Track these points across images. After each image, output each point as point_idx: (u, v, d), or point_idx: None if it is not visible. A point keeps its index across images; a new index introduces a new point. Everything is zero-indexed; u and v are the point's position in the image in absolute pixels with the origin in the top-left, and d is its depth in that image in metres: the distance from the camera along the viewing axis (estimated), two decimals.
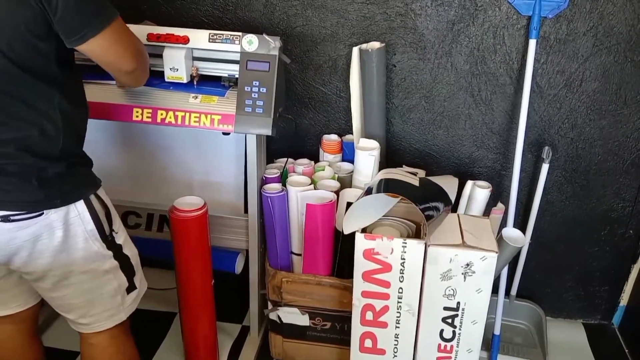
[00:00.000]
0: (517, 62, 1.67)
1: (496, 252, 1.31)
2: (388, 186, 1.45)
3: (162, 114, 1.50)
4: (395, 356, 1.48)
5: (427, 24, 1.66)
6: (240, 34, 1.48)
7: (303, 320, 1.72)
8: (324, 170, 1.71)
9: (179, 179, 1.84)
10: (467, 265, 1.32)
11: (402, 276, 1.37)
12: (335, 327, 1.71)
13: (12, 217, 1.07)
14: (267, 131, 1.48)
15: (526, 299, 1.99)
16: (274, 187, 1.62)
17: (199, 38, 1.49)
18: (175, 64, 1.49)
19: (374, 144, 1.65)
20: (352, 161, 1.71)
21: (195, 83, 1.55)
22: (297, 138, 1.89)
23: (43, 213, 1.10)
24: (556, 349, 1.91)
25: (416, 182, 1.49)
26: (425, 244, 1.33)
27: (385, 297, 1.40)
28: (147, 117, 1.50)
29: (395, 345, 1.47)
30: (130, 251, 1.30)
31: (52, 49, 1.04)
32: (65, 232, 1.14)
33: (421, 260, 1.34)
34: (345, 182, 1.69)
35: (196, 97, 1.51)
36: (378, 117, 1.72)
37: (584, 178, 1.81)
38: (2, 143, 1.04)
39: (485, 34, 1.65)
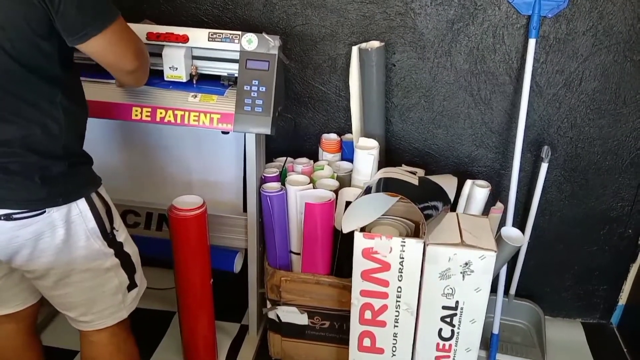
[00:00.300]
0: (516, 62, 1.67)
1: (495, 251, 1.31)
2: (387, 185, 1.45)
3: (161, 113, 1.50)
4: (394, 355, 1.48)
5: (426, 23, 1.66)
6: (239, 33, 1.48)
7: (302, 319, 1.72)
8: (323, 169, 1.71)
9: (178, 178, 1.84)
10: (466, 264, 1.32)
11: (401, 275, 1.37)
12: (334, 326, 1.71)
13: (14, 216, 1.07)
14: (267, 130, 1.48)
15: (525, 298, 1.99)
16: (273, 186, 1.62)
17: (199, 37, 1.49)
18: (175, 63, 1.49)
19: (373, 143, 1.65)
20: (351, 160, 1.71)
21: (194, 82, 1.55)
22: (297, 137, 1.89)
23: (45, 211, 1.10)
24: (555, 348, 1.91)
25: (415, 181, 1.49)
26: (424, 243, 1.33)
27: (384, 296, 1.40)
28: (147, 116, 1.50)
29: (394, 344, 1.47)
30: (131, 249, 1.30)
31: (55, 48, 1.04)
32: (66, 231, 1.14)
33: (420, 259, 1.34)
34: (345, 181, 1.69)
35: (195, 96, 1.51)
36: (377, 116, 1.72)
37: (583, 177, 1.81)
38: (5, 142, 1.04)
39: (485, 34, 1.65)
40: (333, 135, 1.80)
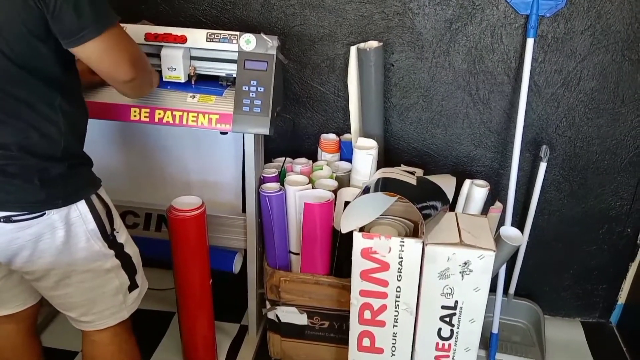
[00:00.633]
0: (514, 61, 1.67)
1: (494, 251, 1.31)
2: (386, 185, 1.45)
3: (159, 114, 1.50)
4: (393, 355, 1.48)
5: (424, 23, 1.66)
6: (238, 33, 1.48)
7: (301, 319, 1.72)
8: (322, 169, 1.71)
9: (177, 179, 1.84)
10: (465, 264, 1.32)
11: (400, 275, 1.37)
12: (333, 326, 1.71)
13: (14, 218, 1.07)
14: (265, 130, 1.48)
15: (524, 297, 1.99)
16: (272, 187, 1.62)
17: (197, 37, 1.49)
18: (173, 64, 1.49)
19: (372, 143, 1.65)
20: (350, 160, 1.70)
21: (193, 82, 1.55)
22: (295, 137, 1.89)
23: (45, 213, 1.10)
24: (554, 347, 1.91)
25: (414, 181, 1.49)
26: (423, 242, 1.33)
27: (383, 296, 1.40)
28: (145, 116, 1.50)
29: (393, 344, 1.47)
30: (132, 250, 1.30)
31: (53, 50, 1.04)
32: (66, 232, 1.14)
33: (419, 259, 1.34)
34: (343, 181, 1.69)
35: (194, 97, 1.51)
36: (376, 116, 1.72)
37: (581, 177, 1.81)
38: (3, 144, 1.04)
39: (483, 33, 1.65)
40: (332, 136, 1.80)
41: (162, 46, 1.49)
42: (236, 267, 1.80)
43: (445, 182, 1.56)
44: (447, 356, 1.45)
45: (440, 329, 1.42)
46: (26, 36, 0.99)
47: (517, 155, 1.65)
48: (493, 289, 1.71)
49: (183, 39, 1.49)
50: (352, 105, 1.75)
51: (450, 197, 1.51)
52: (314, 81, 1.80)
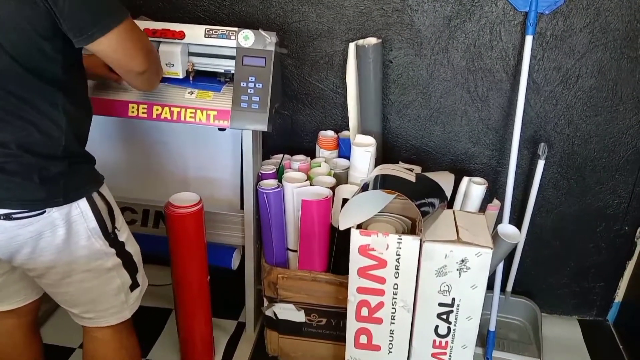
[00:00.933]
0: (513, 59, 1.67)
1: (491, 248, 1.31)
2: (384, 182, 1.45)
3: (157, 110, 1.49)
4: (390, 352, 1.48)
5: (423, 19, 1.66)
6: (236, 29, 1.47)
7: (299, 316, 1.72)
8: (320, 166, 1.71)
9: (175, 175, 1.83)
10: (462, 261, 1.32)
11: (397, 272, 1.37)
12: (330, 323, 1.71)
13: (14, 216, 1.07)
14: (263, 127, 1.48)
15: (521, 295, 1.99)
16: (270, 183, 1.62)
17: (195, 33, 1.48)
18: (171, 60, 1.49)
19: (370, 140, 1.65)
20: (348, 157, 1.70)
21: (191, 78, 1.55)
22: (293, 134, 1.89)
23: (45, 211, 1.09)
24: (551, 345, 1.91)
25: (412, 178, 1.49)
26: (421, 240, 1.33)
27: (381, 293, 1.40)
28: (143, 112, 1.49)
29: (390, 341, 1.47)
30: (133, 248, 1.29)
31: (58, 49, 1.03)
32: (67, 230, 1.14)
33: (416, 256, 1.34)
34: (341, 178, 1.69)
35: (192, 93, 1.51)
36: (374, 113, 1.72)
37: (579, 174, 1.81)
38: (3, 142, 1.04)
39: (482, 30, 1.65)
40: (330, 132, 1.80)
41: (160, 42, 1.48)
42: (235, 264, 1.80)
43: (443, 180, 1.56)
44: (444, 353, 1.45)
45: (437, 326, 1.42)
46: (31, 35, 0.98)
47: (515, 152, 1.65)
48: (490, 286, 1.72)
49: (181, 35, 1.48)
50: (350, 102, 1.75)
51: (448, 194, 1.51)
52: (312, 78, 1.80)
